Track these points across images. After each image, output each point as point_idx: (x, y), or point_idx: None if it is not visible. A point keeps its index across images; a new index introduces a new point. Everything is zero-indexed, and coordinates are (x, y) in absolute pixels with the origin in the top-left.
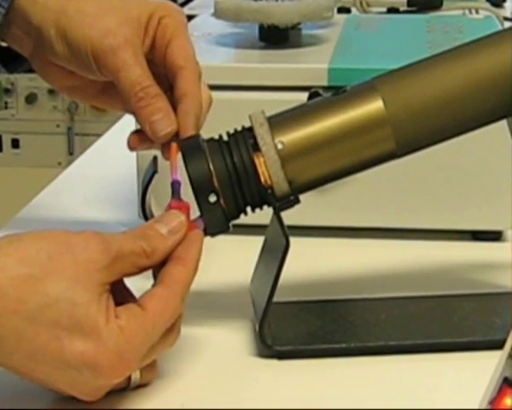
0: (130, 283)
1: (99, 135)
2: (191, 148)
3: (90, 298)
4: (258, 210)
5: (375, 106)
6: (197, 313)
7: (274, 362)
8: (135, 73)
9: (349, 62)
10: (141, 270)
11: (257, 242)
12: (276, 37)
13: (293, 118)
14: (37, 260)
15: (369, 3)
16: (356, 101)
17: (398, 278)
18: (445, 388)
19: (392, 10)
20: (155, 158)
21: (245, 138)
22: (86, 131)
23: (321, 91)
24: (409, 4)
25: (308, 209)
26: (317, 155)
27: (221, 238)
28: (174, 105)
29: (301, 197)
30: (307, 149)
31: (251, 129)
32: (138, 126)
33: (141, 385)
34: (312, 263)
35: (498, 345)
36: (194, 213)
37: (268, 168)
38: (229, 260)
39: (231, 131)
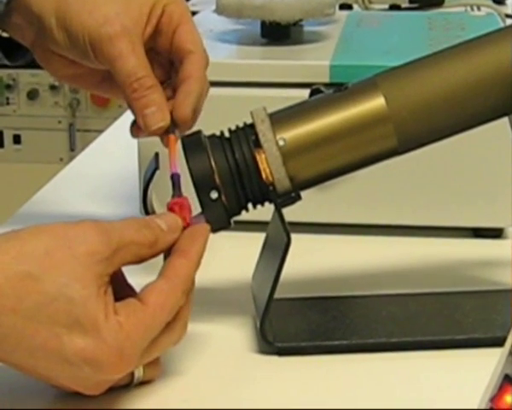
0: (130, 278)
1: (100, 131)
2: (193, 144)
3: (88, 295)
4: (259, 207)
5: (376, 103)
6: (198, 310)
7: (275, 359)
8: (130, 63)
9: (351, 59)
10: (141, 260)
11: (258, 238)
12: (277, 33)
13: (294, 114)
14: (35, 256)
15: (371, 0)
16: (357, 98)
17: (399, 275)
18: (445, 385)
19: (394, 7)
20: (157, 154)
21: (246, 135)
22: (88, 127)
23: (322, 88)
24: (410, 1)
25: (309, 206)
26: (318, 152)
27: (222, 235)
28: (176, 88)
29: (302, 194)
30: (309, 145)
31: (252, 125)
32: None
33: (145, 382)
34: (313, 260)
35: (499, 342)
36: (196, 209)
37: (269, 165)
38: (230, 257)
39: (233, 128)
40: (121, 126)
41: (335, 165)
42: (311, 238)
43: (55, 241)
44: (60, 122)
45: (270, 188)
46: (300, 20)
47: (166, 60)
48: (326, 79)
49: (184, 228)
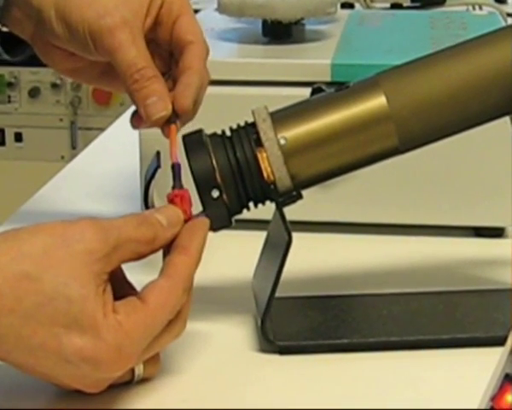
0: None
1: (102, 129)
2: (194, 143)
3: (86, 294)
4: (260, 205)
5: (377, 102)
6: (199, 308)
7: (276, 357)
8: (131, 54)
9: (352, 58)
10: (140, 257)
11: (259, 237)
12: (279, 32)
13: (296, 113)
14: (33, 256)
15: None
16: (359, 97)
17: (400, 274)
18: (446, 384)
19: (396, 6)
20: (158, 153)
21: (248, 134)
22: (89, 125)
23: (324, 87)
24: (412, 0)
25: (310, 205)
26: (319, 151)
27: (223, 233)
28: (176, 80)
29: (304, 193)
30: (310, 144)
31: (254, 124)
32: None
33: (145, 379)
34: (315, 258)
35: (500, 342)
36: (197, 208)
37: (271, 164)
38: (231, 256)
39: (234, 127)
40: (123, 125)
41: (336, 164)
42: (312, 237)
43: (53, 240)
44: (61, 120)
45: (272, 187)
46: (302, 18)
47: (167, 51)
48: (327, 78)
49: (185, 221)
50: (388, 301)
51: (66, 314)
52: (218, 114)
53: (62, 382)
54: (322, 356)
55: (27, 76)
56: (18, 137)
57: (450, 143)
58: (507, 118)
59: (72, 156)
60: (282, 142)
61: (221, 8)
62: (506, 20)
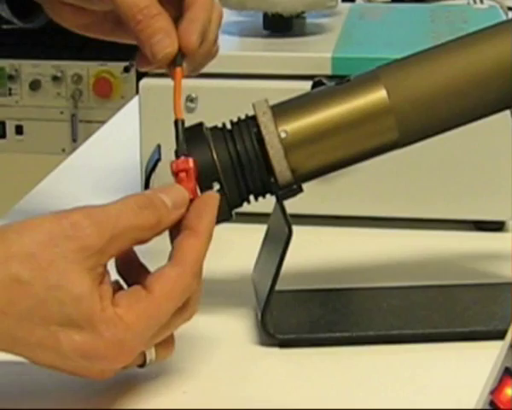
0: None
1: (103, 122)
2: (194, 136)
3: (79, 293)
4: (261, 199)
5: (378, 95)
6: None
7: (276, 350)
8: None
9: (353, 51)
10: (143, 242)
11: (259, 230)
12: (280, 25)
13: (296, 107)
14: (22, 258)
15: None
16: (359, 90)
17: (399, 268)
18: (445, 378)
19: None
20: (159, 146)
21: (248, 127)
22: (90, 118)
23: (324, 80)
24: None
25: (311, 198)
26: (320, 144)
27: (224, 226)
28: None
29: (304, 186)
30: (310, 138)
31: (254, 117)
32: None
33: (158, 361)
34: (315, 252)
35: (500, 335)
36: None
37: (271, 157)
38: (231, 249)
39: (235, 120)
40: (123, 117)
41: (337, 157)
42: (313, 230)
43: (42, 239)
44: (62, 113)
45: (272, 180)
46: (303, 12)
47: None
48: (328, 72)
49: (191, 199)
50: (388, 294)
51: (61, 315)
52: (218, 107)
53: (66, 373)
54: (322, 349)
55: (28, 69)
56: (19, 130)
57: (450, 137)
58: (507, 112)
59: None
60: (283, 135)
61: (222, 2)
62: (507, 14)
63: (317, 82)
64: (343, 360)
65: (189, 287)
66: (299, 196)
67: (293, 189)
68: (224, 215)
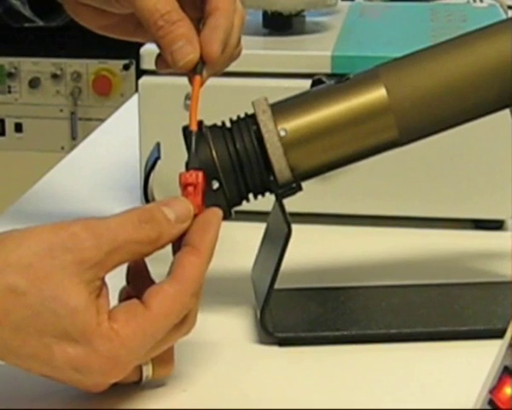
0: None
1: (102, 120)
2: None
3: (75, 306)
4: (260, 197)
5: (377, 94)
6: None
7: (275, 349)
8: (152, 0)
9: (352, 50)
10: (142, 256)
11: (259, 228)
12: (279, 24)
13: (296, 105)
14: (19, 268)
15: None
16: (359, 89)
17: (399, 267)
18: (445, 376)
19: None
20: (158, 144)
21: (248, 125)
22: (89, 115)
23: (324, 79)
24: None
25: (310, 196)
26: (319, 143)
27: (223, 225)
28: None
29: (303, 185)
30: (310, 136)
31: (254, 116)
32: None
33: (155, 380)
34: (314, 250)
35: (499, 334)
36: None
37: (270, 155)
38: (230, 247)
39: (234, 118)
40: (123, 115)
41: (336, 156)
42: (312, 229)
43: (40, 250)
44: (61, 111)
45: (271, 178)
46: (302, 10)
47: None
48: (328, 70)
49: (197, 214)
50: (387, 293)
51: (56, 327)
52: (218, 105)
53: (61, 383)
54: (321, 348)
55: (28, 66)
56: (18, 128)
57: (449, 136)
58: (507, 110)
59: (72, 147)
60: (282, 133)
61: None
62: (507, 13)
63: (317, 80)
64: (342, 358)
65: (188, 305)
66: (299, 194)
67: (292, 187)
68: (223, 214)
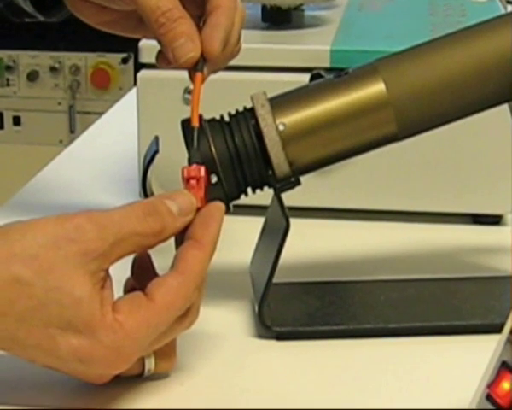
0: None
1: (100, 113)
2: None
3: (80, 297)
4: (258, 191)
5: (376, 88)
6: None
7: (273, 343)
8: None
9: (351, 44)
10: (146, 249)
11: (257, 222)
12: (278, 17)
13: (294, 99)
14: (24, 259)
15: None
16: (358, 83)
17: (397, 261)
18: (442, 371)
19: None
20: (157, 138)
21: (246, 119)
22: (88, 109)
23: (323, 73)
24: None
25: (309, 191)
26: (318, 137)
27: None
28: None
29: (302, 179)
30: (308, 130)
31: (252, 110)
32: None
33: (158, 374)
34: (312, 244)
35: (497, 329)
36: None
37: (269, 149)
38: (229, 241)
39: (233, 112)
40: (121, 109)
41: (335, 150)
42: (310, 223)
43: (45, 241)
44: (60, 104)
45: (270, 172)
46: (301, 4)
47: None
48: (326, 64)
49: (199, 208)
50: (386, 287)
51: (61, 318)
52: (216, 99)
53: (64, 374)
54: (319, 342)
55: (26, 59)
56: (16, 121)
57: (448, 130)
58: (506, 105)
59: (71, 140)
60: (281, 127)
61: None
62: (506, 8)
63: (316, 74)
64: (340, 352)
65: (190, 298)
66: (297, 188)
67: (290, 181)
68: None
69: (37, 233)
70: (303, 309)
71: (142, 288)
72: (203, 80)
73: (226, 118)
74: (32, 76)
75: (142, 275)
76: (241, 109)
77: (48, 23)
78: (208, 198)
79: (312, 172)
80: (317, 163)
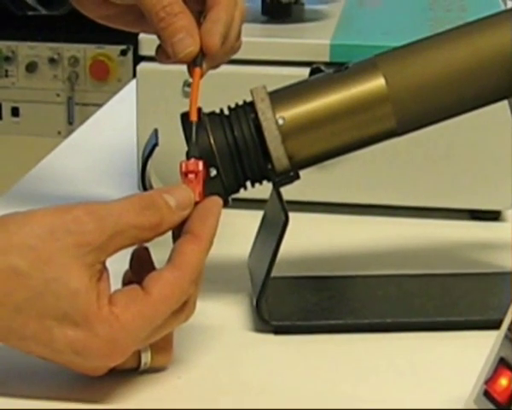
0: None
1: (99, 105)
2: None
3: (77, 288)
4: (257, 185)
5: (376, 83)
6: None
7: (270, 337)
8: None
9: (351, 39)
10: (143, 242)
11: (256, 216)
12: (278, 11)
13: (294, 93)
14: (22, 250)
15: None
16: (357, 78)
17: (395, 256)
18: (440, 367)
19: None
20: (156, 130)
21: (246, 113)
22: (86, 100)
23: (323, 67)
24: None
25: (308, 185)
26: (317, 132)
27: None
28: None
29: (301, 173)
30: (308, 125)
31: (252, 104)
32: None
33: (154, 368)
34: (311, 239)
35: (495, 325)
36: None
37: (268, 143)
38: (227, 235)
39: (232, 106)
40: (120, 101)
41: (334, 145)
42: (309, 217)
43: (43, 232)
44: (58, 95)
45: (269, 166)
46: None
47: None
48: (326, 58)
49: (197, 202)
50: (383, 282)
51: (57, 309)
52: (216, 92)
53: (60, 366)
54: (317, 337)
55: (25, 50)
56: (15, 112)
57: (446, 126)
58: (505, 101)
59: (69, 132)
60: (280, 122)
61: None
62: (506, 3)
63: (315, 69)
64: (338, 347)
65: (187, 291)
66: (296, 182)
67: (289, 176)
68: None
69: (35, 224)
70: (301, 303)
71: (140, 281)
72: (202, 75)
73: (226, 111)
74: (31, 67)
75: (140, 268)
76: (240, 103)
77: (47, 15)
78: (207, 192)
79: (311, 167)
80: (317, 158)
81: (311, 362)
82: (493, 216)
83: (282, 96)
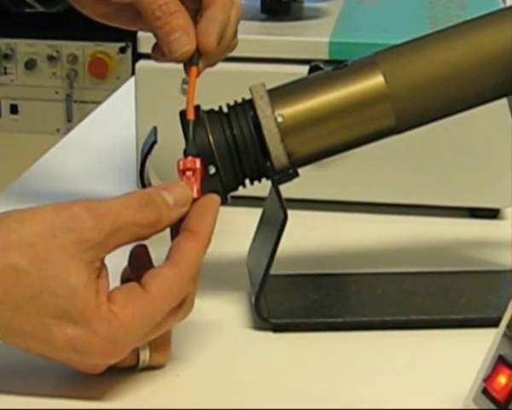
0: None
1: (98, 102)
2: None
3: (75, 286)
4: (256, 183)
5: (375, 81)
6: None
7: (269, 335)
8: None
9: (350, 36)
10: (141, 239)
11: (255, 214)
12: (277, 9)
13: (293, 91)
14: (20, 247)
15: None
16: (356, 75)
17: (394, 254)
18: (439, 365)
19: None
20: (155, 128)
21: (245, 111)
22: (85, 98)
23: (321, 65)
24: None
25: (307, 183)
26: (316, 129)
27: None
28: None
29: (300, 171)
30: (307, 122)
31: (251, 101)
32: None
33: (152, 366)
34: (310, 237)
35: (494, 323)
36: None
37: (267, 141)
38: (226, 232)
39: (231, 103)
40: (119, 99)
41: (333, 142)
42: (308, 215)
43: (42, 229)
44: (57, 93)
45: (268, 164)
46: None
47: None
48: (325, 56)
49: (195, 199)
50: (382, 280)
51: (56, 307)
52: (215, 90)
53: (59, 363)
54: (316, 334)
55: (24, 48)
56: (13, 109)
57: (446, 124)
58: (504, 99)
59: (68, 129)
60: (279, 119)
61: None
62: (505, 1)
63: (314, 66)
64: (336, 345)
65: (185, 289)
66: (295, 180)
67: (288, 173)
68: (220, 199)
69: (33, 222)
70: (300, 301)
71: (139, 279)
72: (198, 74)
73: (225, 109)
74: (30, 65)
75: (139, 266)
76: (239, 101)
77: (46, 12)
78: (206, 189)
79: (310, 165)
80: (316, 155)
81: (309, 360)
82: (492, 214)
83: (281, 94)
